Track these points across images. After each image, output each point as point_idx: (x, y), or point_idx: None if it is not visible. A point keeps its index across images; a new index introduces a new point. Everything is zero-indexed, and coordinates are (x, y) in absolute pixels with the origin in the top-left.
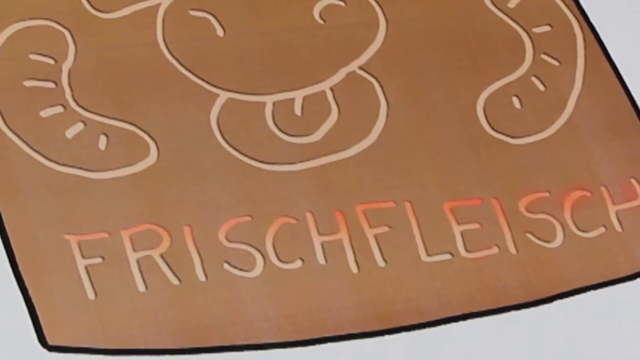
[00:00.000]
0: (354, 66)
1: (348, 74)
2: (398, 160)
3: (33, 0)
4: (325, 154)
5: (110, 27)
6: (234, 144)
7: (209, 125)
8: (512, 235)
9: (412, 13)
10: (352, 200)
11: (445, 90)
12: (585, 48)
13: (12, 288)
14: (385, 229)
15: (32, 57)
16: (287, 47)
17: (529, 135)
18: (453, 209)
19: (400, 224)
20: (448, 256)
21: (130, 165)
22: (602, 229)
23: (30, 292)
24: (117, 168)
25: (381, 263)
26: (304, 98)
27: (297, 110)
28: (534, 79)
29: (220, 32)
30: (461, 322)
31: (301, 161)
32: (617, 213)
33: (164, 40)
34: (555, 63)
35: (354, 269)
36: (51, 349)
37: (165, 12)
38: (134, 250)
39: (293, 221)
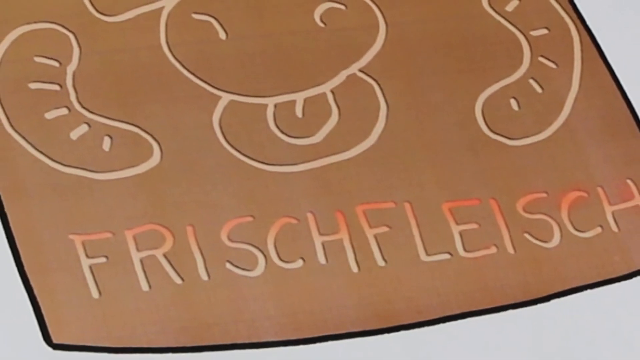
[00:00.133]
0: (354, 69)
1: (348, 77)
2: (398, 161)
3: (38, 4)
4: (326, 155)
5: (114, 31)
6: (236, 145)
7: (211, 126)
8: (510, 235)
9: (411, 16)
10: (352, 201)
11: (444, 93)
12: (582, 51)
13: (18, 287)
14: (385, 229)
15: (37, 59)
16: (288, 50)
17: (527, 136)
18: (452, 209)
19: (400, 224)
20: (447, 256)
21: (133, 166)
22: (599, 229)
23: (36, 291)
24: (121, 169)
25: (381, 262)
26: (305, 100)
27: (298, 112)
28: (531, 81)
29: (222, 35)
30: (460, 321)
31: (302, 162)
32: (613, 213)
33: (167, 43)
34: (553, 66)
35: (354, 269)
36: (56, 347)
37: (169, 16)
38: (138, 250)
39: (294, 221)
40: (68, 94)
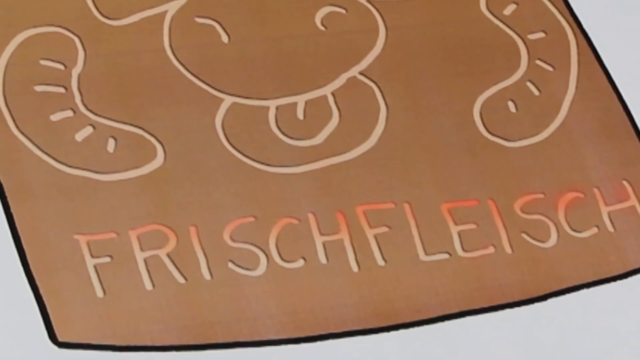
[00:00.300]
0: (354, 71)
1: (349, 79)
2: (397, 162)
3: (44, 8)
4: (327, 157)
5: (119, 34)
6: (238, 146)
7: (214, 128)
8: (508, 235)
9: (410, 21)
10: (352, 202)
11: (442, 95)
12: (578, 54)
13: (24, 286)
14: (385, 229)
15: (43, 62)
16: (289, 53)
17: (524, 138)
18: (450, 209)
19: (400, 224)
20: (446, 255)
21: (137, 167)
22: (595, 229)
23: (41, 291)
24: (125, 170)
25: (381, 262)
26: (306, 102)
27: (300, 115)
28: (528, 84)
29: (225, 38)
30: (458, 320)
31: (303, 163)
32: (609, 214)
33: (171, 46)
34: (550, 68)
35: (355, 268)
36: (61, 345)
37: (172, 19)
38: (142, 249)
39: (295, 222)
40: (73, 97)
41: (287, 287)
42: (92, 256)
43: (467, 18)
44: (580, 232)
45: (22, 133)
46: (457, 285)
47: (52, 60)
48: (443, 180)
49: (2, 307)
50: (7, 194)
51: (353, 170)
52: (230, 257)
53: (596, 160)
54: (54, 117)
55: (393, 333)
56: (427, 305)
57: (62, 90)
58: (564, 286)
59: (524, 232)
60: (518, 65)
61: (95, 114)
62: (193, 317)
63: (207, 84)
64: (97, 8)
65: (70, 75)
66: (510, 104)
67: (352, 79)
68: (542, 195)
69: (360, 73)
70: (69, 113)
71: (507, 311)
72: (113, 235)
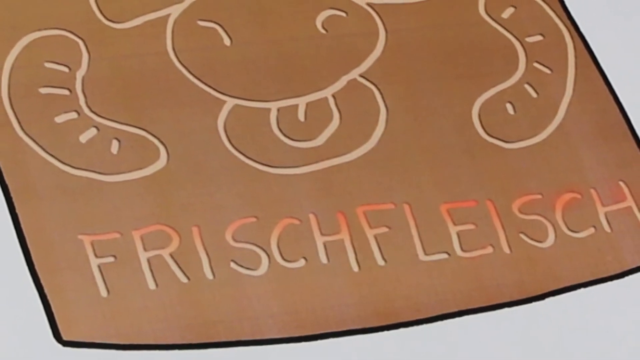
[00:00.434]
0: (354, 74)
1: (349, 82)
2: (397, 163)
3: (48, 11)
4: (328, 158)
5: (122, 37)
6: (240, 148)
7: (216, 130)
8: (506, 236)
9: (410, 24)
10: (353, 202)
11: (442, 97)
12: (575, 57)
13: (29, 286)
14: (385, 229)
15: (48, 65)
16: (290, 55)
17: (522, 140)
18: (449, 210)
19: (399, 224)
20: (445, 255)
21: (141, 168)
22: (592, 230)
23: (46, 290)
24: (129, 171)
25: (381, 262)
26: (307, 104)
27: (301, 116)
28: (526, 86)
29: (227, 41)
30: (457, 319)
31: (304, 165)
32: (606, 214)
33: (174, 49)
34: (547, 71)
35: (355, 268)
36: (65, 344)
37: (175, 23)
38: (145, 249)
39: (297, 222)
40: (77, 99)
41: (289, 287)
42: (96, 256)
43: (466, 21)
44: (577, 232)
45: (27, 135)
46: (456, 284)
47: (57, 63)
48: (442, 181)
49: (8, 307)
50: (12, 194)
51: (353, 171)
52: (233, 257)
53: (593, 162)
54: (59, 119)
55: (393, 332)
56: (427, 304)
57: (66, 92)
58: (561, 286)
59: (521, 232)
60: (516, 68)
61: (99, 116)
62: (196, 316)
63: (210, 86)
64: (101, 11)
65: (75, 78)
66: (509, 106)
67: (353, 82)
68: (539, 196)
69: (361, 75)
70: (74, 115)
71: (505, 310)
72: (117, 235)
